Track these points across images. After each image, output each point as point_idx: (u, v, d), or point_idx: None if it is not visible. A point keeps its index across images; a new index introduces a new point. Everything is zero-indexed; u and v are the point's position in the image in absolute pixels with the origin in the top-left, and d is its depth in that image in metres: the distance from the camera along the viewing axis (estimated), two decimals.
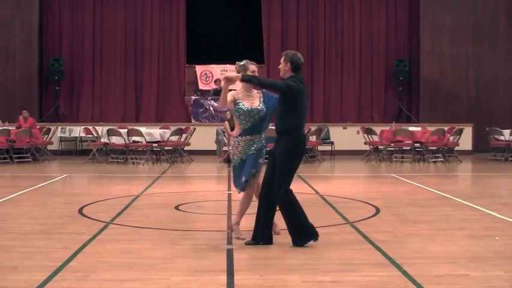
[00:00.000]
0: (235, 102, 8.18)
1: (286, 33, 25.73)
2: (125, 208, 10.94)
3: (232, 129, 20.71)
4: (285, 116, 7.90)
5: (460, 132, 21.73)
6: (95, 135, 21.23)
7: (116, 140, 20.04)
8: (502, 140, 21.81)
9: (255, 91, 8.30)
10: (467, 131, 23.32)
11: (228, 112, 21.60)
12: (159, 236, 8.56)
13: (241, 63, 8.29)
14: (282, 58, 8.00)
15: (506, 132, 21.74)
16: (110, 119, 24.56)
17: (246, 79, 7.90)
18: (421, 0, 24.95)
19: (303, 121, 7.95)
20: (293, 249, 7.72)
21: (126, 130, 20.03)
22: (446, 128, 21.47)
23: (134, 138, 19.93)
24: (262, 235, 7.95)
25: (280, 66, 8.02)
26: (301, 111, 7.90)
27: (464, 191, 14.70)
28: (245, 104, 8.15)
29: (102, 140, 20.69)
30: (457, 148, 21.85)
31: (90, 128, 21.59)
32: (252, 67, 8.22)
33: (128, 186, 14.43)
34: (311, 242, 7.89)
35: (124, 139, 19.78)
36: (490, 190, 14.50)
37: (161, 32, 25.64)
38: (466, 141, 23.20)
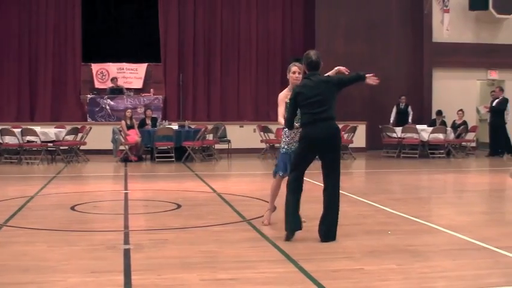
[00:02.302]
0: (286, 101, 8.80)
1: (183, 32, 25.66)
2: (19, 209, 10.71)
3: (128, 128, 20.57)
4: (300, 115, 8.38)
5: (354, 130, 22.19)
6: None
7: (9, 139, 19.61)
8: (394, 137, 22.39)
9: None
10: (361, 129, 23.82)
11: (129, 110, 21.39)
12: (55, 237, 8.43)
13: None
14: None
15: (398, 129, 22.34)
16: (3, 118, 23.92)
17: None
18: (316, 0, 25.32)
19: (308, 118, 8.19)
20: (191, 247, 7.73)
21: (20, 130, 19.63)
22: (340, 126, 21.79)
23: (28, 137, 19.54)
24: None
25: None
26: (304, 109, 8.23)
27: (359, 187, 15.01)
28: None
29: None
30: (351, 145, 22.30)
31: None
32: (294, 68, 9.00)
33: (23, 187, 14.14)
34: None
35: (18, 139, 19.38)
36: (383, 186, 14.88)
37: (56, 29, 25.15)
38: (360, 138, 23.70)
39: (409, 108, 24.18)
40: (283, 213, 8.27)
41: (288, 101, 8.53)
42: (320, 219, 8.29)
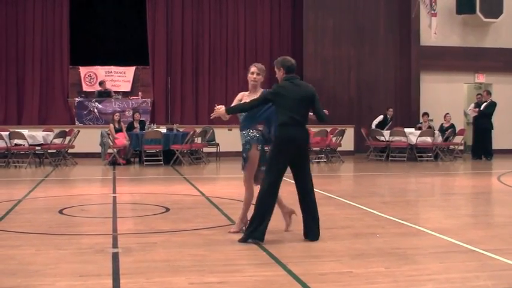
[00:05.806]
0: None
1: (171, 34, 25.66)
2: (7, 213, 10.67)
3: (117, 131, 20.53)
4: (276, 115, 8.27)
5: (342, 133, 22.22)
6: None
7: None
8: (382, 141, 22.43)
9: (260, 91, 8.72)
10: (349, 132, 23.86)
11: (117, 114, 21.35)
12: (43, 241, 8.40)
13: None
14: (275, 67, 8.49)
15: (386, 132, 22.39)
16: None
17: (229, 112, 8.80)
18: (304, 3, 25.38)
19: (286, 119, 8.14)
20: (179, 251, 7.72)
21: (7, 133, 19.55)
22: (329, 129, 21.90)
23: (16, 141, 19.48)
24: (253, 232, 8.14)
25: (277, 75, 8.48)
26: (283, 110, 8.17)
27: (347, 190, 15.05)
28: None
29: None
30: (339, 149, 22.35)
31: None
32: (252, 68, 8.84)
33: (10, 190, 14.10)
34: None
35: (5, 142, 19.31)
36: (371, 189, 14.89)
37: (44, 32, 25.07)
38: (348, 141, 23.74)
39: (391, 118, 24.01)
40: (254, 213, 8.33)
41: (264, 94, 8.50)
42: (303, 222, 8.38)
